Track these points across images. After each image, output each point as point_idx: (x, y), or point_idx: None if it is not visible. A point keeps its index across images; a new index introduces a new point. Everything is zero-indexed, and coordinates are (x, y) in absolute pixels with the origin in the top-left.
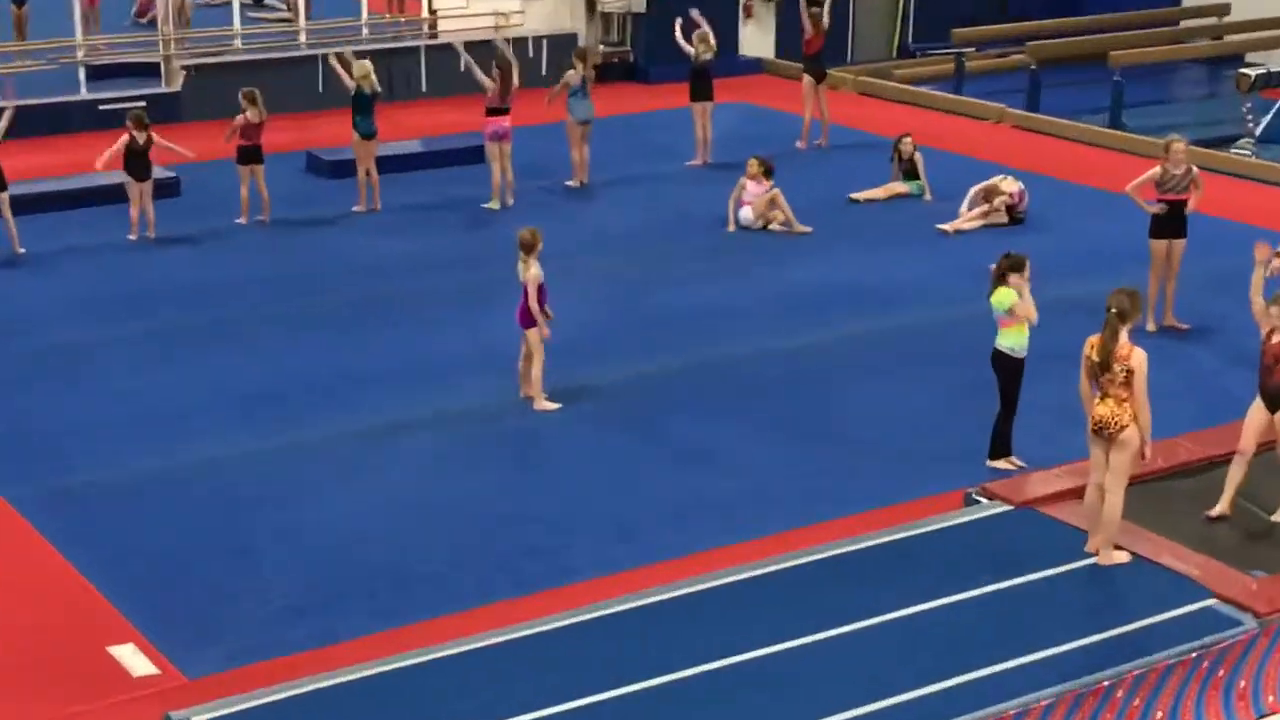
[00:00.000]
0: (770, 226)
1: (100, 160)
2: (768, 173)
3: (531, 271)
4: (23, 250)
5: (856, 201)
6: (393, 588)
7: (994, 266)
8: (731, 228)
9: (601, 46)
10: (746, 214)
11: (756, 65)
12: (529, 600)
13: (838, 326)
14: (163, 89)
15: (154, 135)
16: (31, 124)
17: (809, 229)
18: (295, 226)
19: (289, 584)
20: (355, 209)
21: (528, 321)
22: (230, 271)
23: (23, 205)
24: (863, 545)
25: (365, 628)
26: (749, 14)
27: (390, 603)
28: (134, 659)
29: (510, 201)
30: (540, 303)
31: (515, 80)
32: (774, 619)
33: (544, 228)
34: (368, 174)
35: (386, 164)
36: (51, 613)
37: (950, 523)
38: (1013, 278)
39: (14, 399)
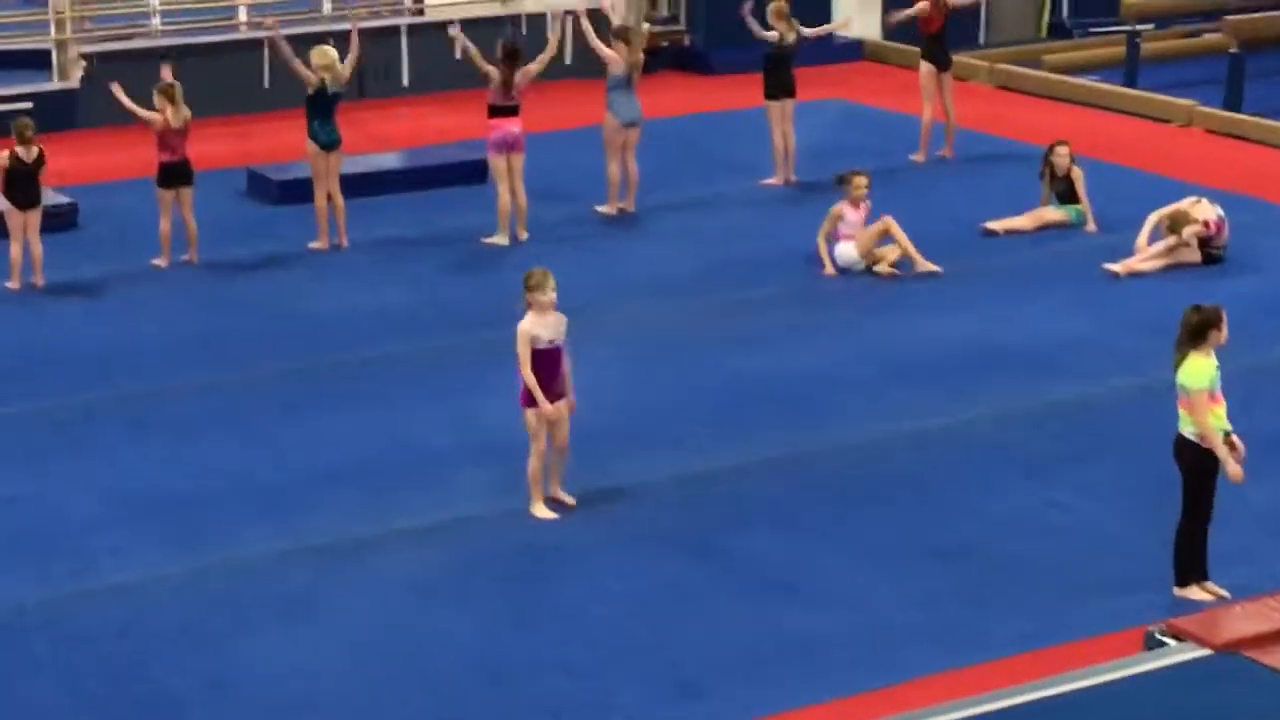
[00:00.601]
0: (878, 268)
1: None
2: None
3: (521, 325)
4: None
5: (994, 233)
6: None
7: (1183, 322)
8: (830, 270)
9: (648, 26)
10: (847, 251)
11: (855, 50)
12: None
13: (972, 403)
14: (54, 84)
15: (39, 148)
16: None
17: (938, 268)
18: (232, 271)
19: None
20: (313, 246)
21: (528, 400)
22: (143, 332)
23: None
24: (1008, 703)
25: None
26: None
27: None
28: None
29: (523, 235)
30: (547, 372)
31: (530, 70)
32: None
33: (569, 270)
34: (329, 198)
35: (355, 185)
36: None
37: (1126, 672)
38: (1211, 335)
39: None
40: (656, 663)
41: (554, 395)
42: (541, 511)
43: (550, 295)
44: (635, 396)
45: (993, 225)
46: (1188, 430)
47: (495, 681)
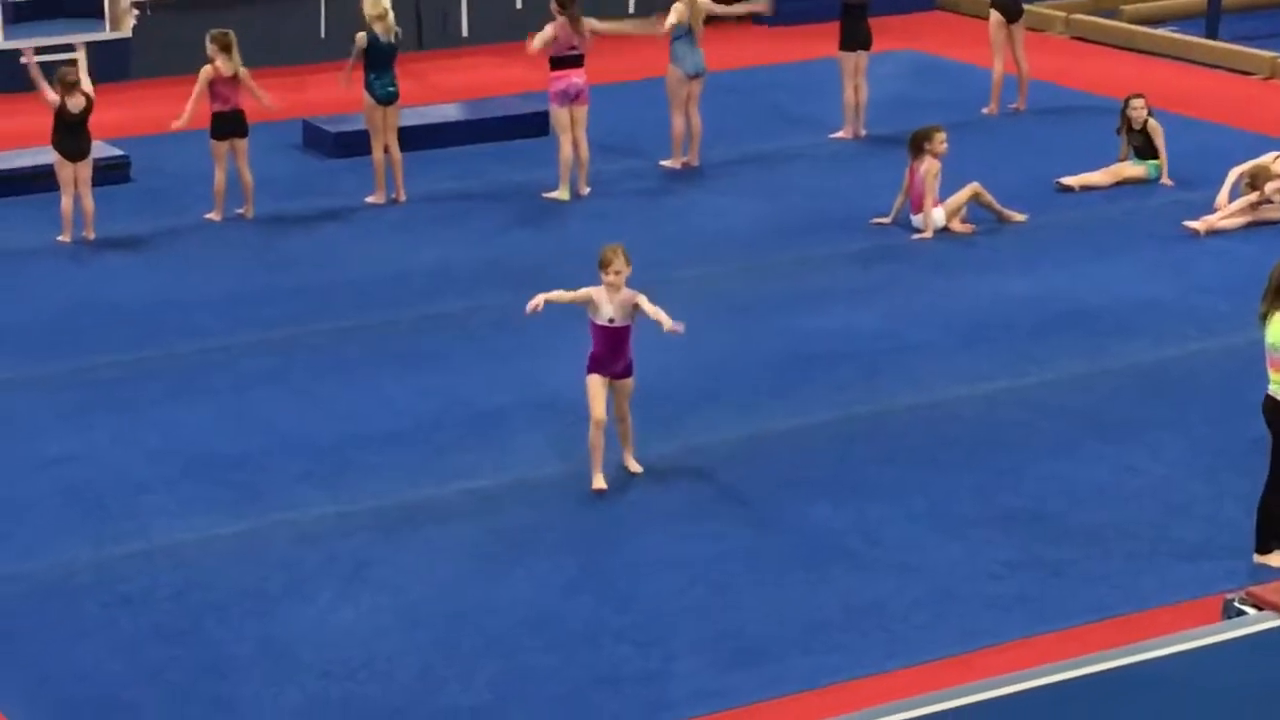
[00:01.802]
0: (953, 225)
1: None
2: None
3: (592, 290)
4: None
5: (1069, 189)
6: None
7: (1270, 278)
8: (928, 234)
9: None
10: (937, 215)
11: None
12: None
13: (1045, 366)
14: (106, 34)
15: (91, 95)
16: None
17: (1023, 216)
18: (287, 225)
19: None
20: (370, 200)
21: (591, 366)
22: (197, 288)
23: None
24: (1080, 673)
25: None
26: None
27: None
28: None
29: (585, 189)
30: (608, 350)
31: (595, 24)
32: None
33: (631, 226)
34: (387, 151)
35: (413, 138)
36: None
37: (1204, 641)
38: None
39: None
40: (717, 629)
41: (615, 375)
42: (599, 482)
43: (613, 275)
44: (698, 356)
45: (1068, 181)
46: (1277, 391)
47: (553, 647)
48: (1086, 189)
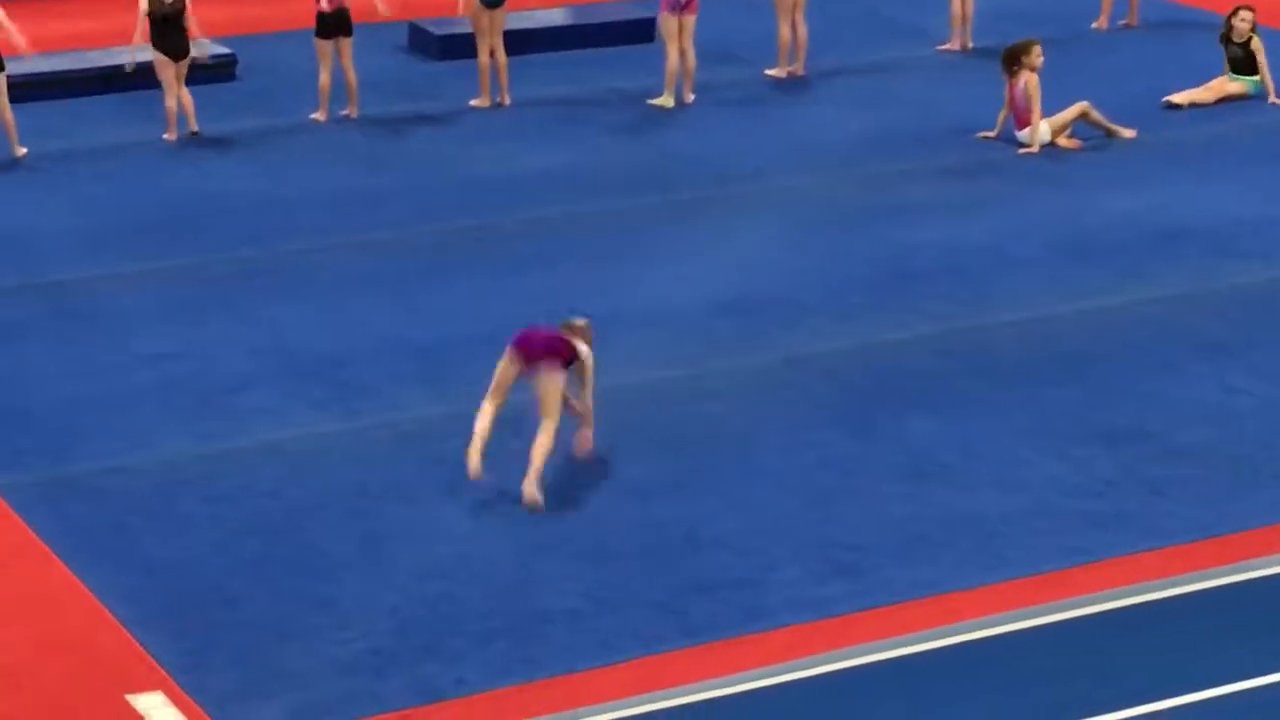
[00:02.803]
0: (1058, 142)
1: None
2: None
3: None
4: (23, 150)
5: (1176, 107)
6: (515, 629)
7: None
8: (1034, 149)
9: None
10: (1044, 130)
11: None
12: (703, 652)
13: (1149, 284)
14: None
15: None
16: None
17: (1132, 132)
18: (392, 126)
19: (374, 619)
20: (474, 103)
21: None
22: (301, 187)
23: (22, 91)
24: (1179, 591)
25: (477, 683)
26: None
27: (512, 649)
28: (163, 712)
29: (690, 97)
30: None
31: None
32: (1056, 691)
33: (734, 135)
34: (492, 55)
35: (519, 41)
36: (54, 647)
37: None
38: None
39: (2, 356)
40: (814, 539)
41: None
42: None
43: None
44: (798, 266)
45: (1175, 98)
46: None
47: (650, 553)
48: (1194, 106)
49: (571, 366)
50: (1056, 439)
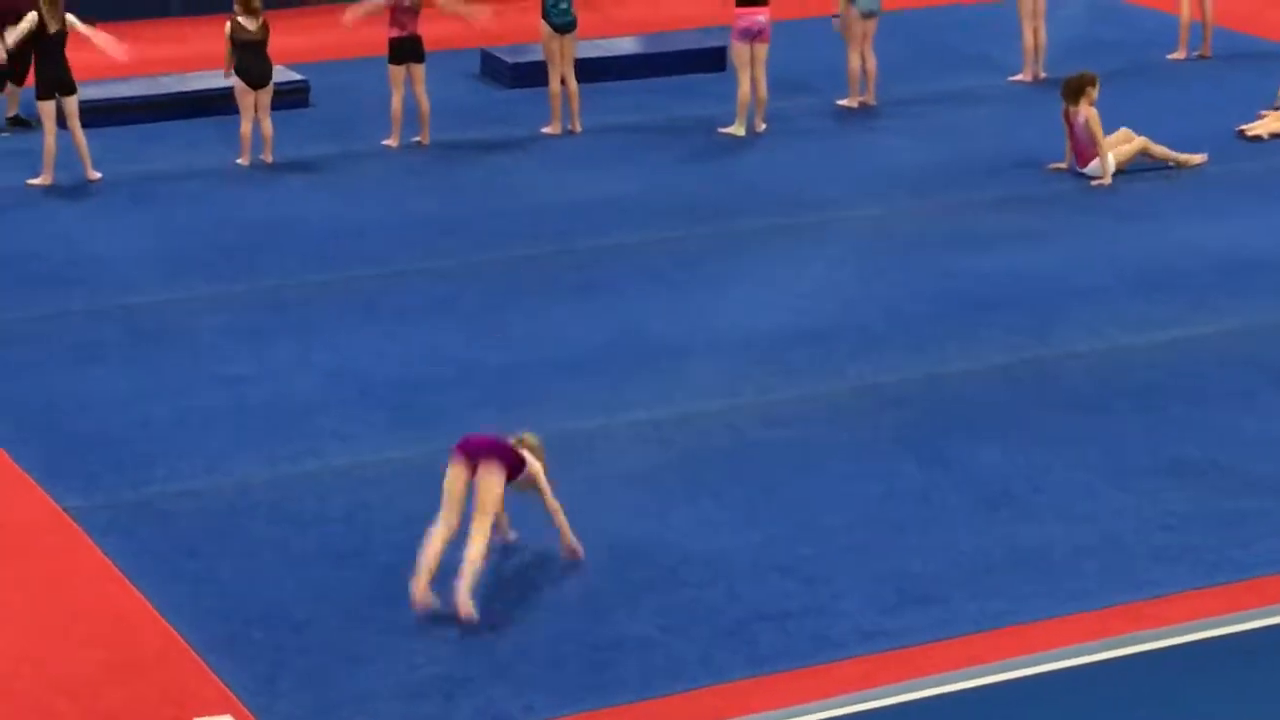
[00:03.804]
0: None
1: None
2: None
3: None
4: (97, 176)
5: (1257, 138)
6: (584, 655)
7: None
8: (1107, 180)
9: None
10: (1110, 160)
11: None
12: (771, 682)
13: (1220, 315)
14: None
15: (265, 21)
16: (108, 6)
17: (1202, 157)
18: (464, 153)
19: (444, 645)
20: (546, 130)
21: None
22: (373, 213)
23: (96, 115)
24: (1250, 626)
25: (547, 709)
26: None
27: (581, 676)
28: None
29: (761, 126)
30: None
31: None
32: None
33: (805, 164)
34: (564, 83)
35: (590, 69)
36: (125, 670)
37: None
38: None
39: (77, 379)
40: (883, 569)
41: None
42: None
43: None
44: (868, 295)
45: (1250, 129)
46: None
47: (719, 580)
48: (1273, 137)
49: (518, 479)
50: (1126, 471)
